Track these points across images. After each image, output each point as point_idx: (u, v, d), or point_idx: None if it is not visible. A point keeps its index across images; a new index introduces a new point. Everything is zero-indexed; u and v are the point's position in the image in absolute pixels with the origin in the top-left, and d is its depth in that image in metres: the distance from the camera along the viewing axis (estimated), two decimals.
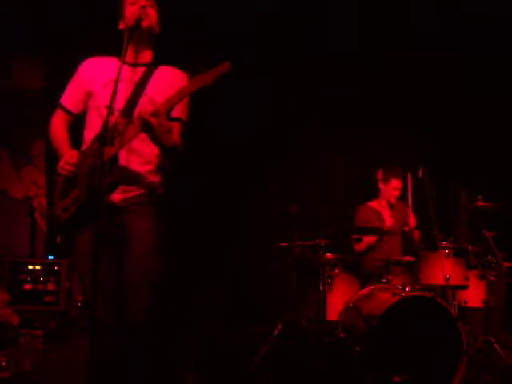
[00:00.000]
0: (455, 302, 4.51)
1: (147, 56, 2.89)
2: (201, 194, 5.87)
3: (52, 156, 3.02)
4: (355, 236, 5.09)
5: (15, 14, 5.48)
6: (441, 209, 4.80)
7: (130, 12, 2.76)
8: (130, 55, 2.81)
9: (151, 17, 2.79)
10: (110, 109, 2.47)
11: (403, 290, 4.05)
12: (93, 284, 2.28)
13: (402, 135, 6.04)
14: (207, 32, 5.61)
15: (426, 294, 4.01)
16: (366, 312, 4.06)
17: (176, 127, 2.78)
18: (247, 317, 5.66)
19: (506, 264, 4.72)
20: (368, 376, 3.78)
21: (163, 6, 2.87)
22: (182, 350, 4.64)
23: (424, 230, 5.06)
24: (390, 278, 4.47)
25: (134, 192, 2.75)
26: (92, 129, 2.79)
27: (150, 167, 2.81)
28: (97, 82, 2.80)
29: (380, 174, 5.28)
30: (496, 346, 4.35)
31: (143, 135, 2.64)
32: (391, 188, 5.21)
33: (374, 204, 5.33)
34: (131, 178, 2.73)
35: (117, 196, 2.70)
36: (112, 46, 2.84)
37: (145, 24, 2.74)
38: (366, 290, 4.41)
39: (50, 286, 4.99)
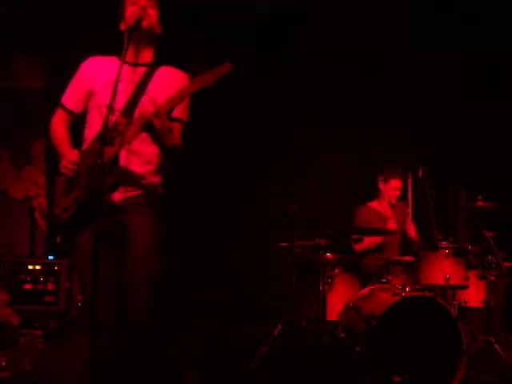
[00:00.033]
0: (455, 302, 4.50)
1: (148, 56, 2.89)
2: (201, 193, 5.87)
3: (52, 156, 3.02)
4: (355, 236, 5.09)
5: (15, 14, 5.48)
6: (441, 209, 4.80)
7: (131, 12, 2.76)
8: (130, 55, 2.81)
9: (151, 17, 2.79)
10: (110, 109, 2.47)
11: (403, 290, 4.05)
12: (93, 284, 2.28)
13: (401, 135, 6.03)
14: (207, 32, 5.61)
15: (426, 293, 4.01)
16: (366, 312, 4.06)
17: (176, 128, 2.78)
18: (247, 317, 5.66)
19: (506, 264, 4.72)
20: (368, 376, 3.78)
21: (163, 6, 2.87)
22: (182, 350, 4.64)
23: (424, 230, 5.06)
24: (390, 277, 4.46)
25: (134, 192, 2.76)
26: (93, 128, 2.79)
27: (150, 168, 2.81)
28: (98, 82, 2.80)
29: (381, 175, 5.28)
30: (496, 346, 4.35)
31: (143, 136, 2.64)
32: (391, 188, 5.20)
33: (374, 204, 5.33)
34: (131, 178, 2.73)
35: (117, 196, 2.70)
36: (112, 46, 2.84)
37: (145, 24, 2.74)
38: (365, 290, 4.41)
39: (50, 286, 4.99)
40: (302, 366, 4.25)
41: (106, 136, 2.50)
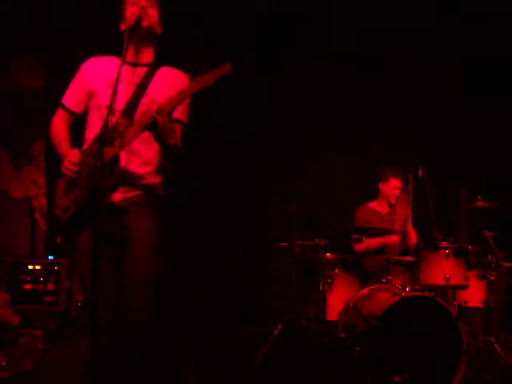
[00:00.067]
0: (455, 302, 4.50)
1: (148, 56, 2.89)
2: (201, 194, 5.87)
3: (52, 156, 3.01)
4: (355, 236, 5.09)
5: (15, 13, 5.48)
6: (441, 209, 4.80)
7: (131, 12, 2.76)
8: (130, 55, 2.80)
9: (151, 17, 2.79)
10: (110, 109, 2.47)
11: (403, 290, 4.05)
12: (93, 284, 2.28)
13: (402, 135, 6.03)
14: (207, 32, 5.61)
15: (426, 293, 4.01)
16: (366, 312, 4.06)
17: (176, 128, 2.78)
18: (247, 317, 5.66)
19: (506, 264, 4.72)
20: (368, 376, 3.78)
21: (163, 6, 2.87)
22: (182, 350, 4.64)
23: (424, 230, 5.06)
24: (390, 277, 4.46)
25: (134, 192, 2.76)
26: (93, 129, 2.79)
27: (150, 168, 2.81)
28: (99, 82, 2.80)
29: (380, 174, 5.29)
30: (496, 346, 4.35)
31: (144, 137, 2.65)
32: (391, 187, 5.20)
33: (374, 205, 5.33)
34: (131, 178, 2.73)
35: (117, 196, 2.70)
36: (112, 46, 2.84)
37: (145, 24, 2.74)
38: (365, 290, 4.41)
39: (50, 286, 5.00)
40: (302, 366, 4.25)
41: (106, 137, 2.50)
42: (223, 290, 5.95)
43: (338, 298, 4.53)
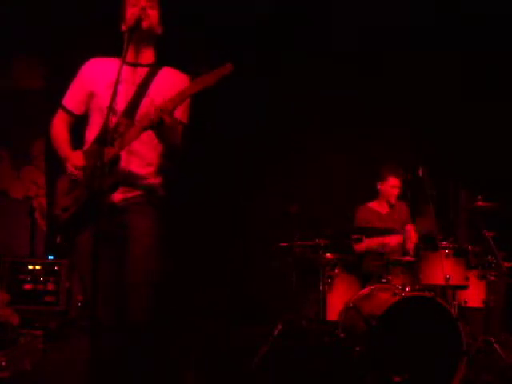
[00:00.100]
0: (455, 302, 4.50)
1: (148, 57, 2.89)
2: (201, 194, 5.87)
3: (52, 156, 3.01)
4: (355, 236, 5.09)
5: (15, 13, 5.48)
6: (441, 209, 4.80)
7: (131, 13, 2.76)
8: (130, 56, 2.80)
9: (151, 17, 2.79)
10: (110, 110, 2.47)
11: (403, 290, 4.05)
12: (93, 284, 2.28)
13: (402, 135, 6.03)
14: (207, 32, 5.61)
15: (426, 293, 4.01)
16: (366, 312, 4.06)
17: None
18: (247, 317, 5.67)
19: (506, 264, 4.72)
20: (368, 376, 3.78)
21: (163, 7, 2.87)
22: (182, 350, 4.64)
23: (424, 231, 5.06)
24: (390, 277, 4.46)
25: (134, 192, 2.76)
26: (94, 130, 2.79)
27: (151, 169, 2.81)
28: (99, 83, 2.80)
29: (379, 174, 5.29)
30: (496, 346, 4.35)
31: (144, 138, 2.65)
32: (389, 186, 5.19)
33: (373, 205, 5.33)
34: (131, 179, 2.73)
35: (117, 196, 2.71)
36: (112, 46, 2.84)
37: (145, 24, 2.74)
38: (366, 290, 4.41)
39: (50, 286, 5.00)
40: (302, 366, 4.25)
41: (106, 137, 2.50)
42: (223, 290, 5.95)
43: (338, 297, 4.53)
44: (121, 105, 2.69)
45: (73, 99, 2.91)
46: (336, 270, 4.68)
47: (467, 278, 4.38)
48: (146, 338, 2.68)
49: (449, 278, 4.21)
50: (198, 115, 2.95)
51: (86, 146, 2.81)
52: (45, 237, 5.68)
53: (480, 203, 4.79)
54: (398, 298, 3.92)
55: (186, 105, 2.81)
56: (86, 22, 5.40)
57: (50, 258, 5.13)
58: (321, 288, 4.58)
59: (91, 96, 2.84)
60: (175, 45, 3.93)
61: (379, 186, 5.28)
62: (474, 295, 4.67)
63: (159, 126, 2.54)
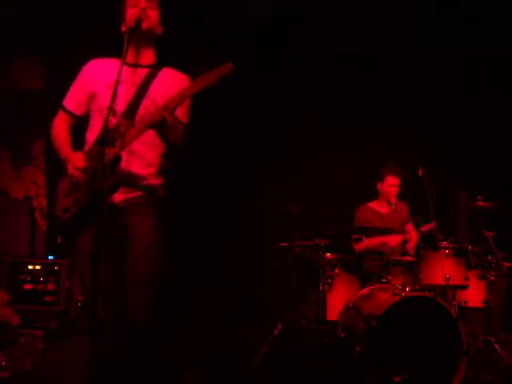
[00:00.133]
0: (455, 302, 4.51)
1: (149, 57, 2.89)
2: (201, 194, 5.87)
3: (52, 156, 3.01)
4: (355, 236, 5.09)
5: (15, 13, 5.48)
6: (441, 209, 4.80)
7: (131, 14, 2.76)
8: (130, 56, 2.80)
9: (151, 18, 2.79)
10: (110, 110, 2.47)
11: (403, 290, 4.06)
12: (93, 284, 2.28)
13: (402, 135, 6.04)
14: (207, 33, 5.61)
15: (426, 293, 4.01)
16: (366, 312, 4.07)
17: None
18: (247, 317, 5.67)
19: (506, 264, 4.72)
20: (368, 376, 3.78)
21: (163, 7, 2.88)
22: (182, 350, 4.64)
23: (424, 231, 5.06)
24: (390, 278, 4.46)
25: (135, 193, 2.76)
26: (94, 131, 2.79)
27: (152, 170, 2.81)
28: (100, 84, 2.80)
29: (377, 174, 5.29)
30: (496, 346, 4.35)
31: (145, 139, 2.65)
32: (388, 185, 5.19)
33: (374, 205, 5.33)
34: (132, 179, 2.73)
35: (118, 197, 2.71)
36: (112, 46, 2.84)
37: (145, 25, 2.74)
38: (365, 290, 4.41)
39: (50, 286, 5.00)
40: (302, 366, 4.25)
41: (107, 137, 2.50)
42: (223, 290, 5.95)
43: (338, 297, 4.53)
44: (121, 105, 2.69)
45: (73, 100, 2.91)
46: (336, 270, 4.68)
47: (467, 278, 4.38)
48: (145, 337, 2.67)
49: (449, 278, 4.21)
50: (198, 115, 2.96)
51: (87, 147, 2.81)
52: (45, 237, 5.69)
53: (480, 203, 4.79)
54: (397, 297, 3.92)
55: (186, 105, 2.81)
56: (86, 21, 5.41)
57: (50, 257, 5.13)
58: (321, 288, 4.58)
59: (92, 97, 2.84)
60: (175, 45, 3.93)
61: (379, 186, 5.28)
62: (474, 295, 4.67)
63: (161, 125, 2.54)
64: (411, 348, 3.79)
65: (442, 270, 4.21)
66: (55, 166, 2.84)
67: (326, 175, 6.18)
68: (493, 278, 4.67)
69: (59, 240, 2.80)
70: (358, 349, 3.91)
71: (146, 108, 2.68)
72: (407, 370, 3.73)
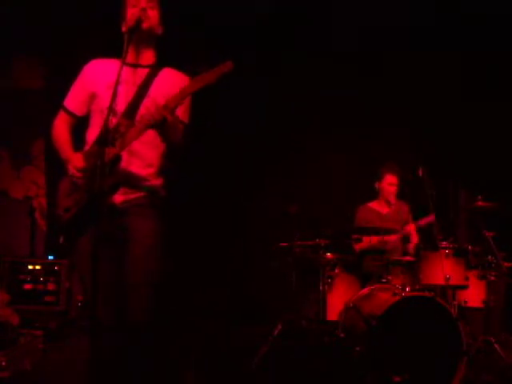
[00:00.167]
0: (455, 302, 4.50)
1: (149, 57, 2.89)
2: (201, 194, 5.87)
3: (52, 156, 3.01)
4: (355, 236, 5.09)
5: (15, 13, 5.48)
6: (441, 209, 4.80)
7: (131, 13, 2.76)
8: (131, 56, 2.80)
9: (152, 18, 2.79)
10: (110, 110, 2.47)
11: (403, 290, 4.05)
12: (93, 284, 2.27)
13: (401, 135, 6.04)
14: (207, 32, 5.61)
15: (426, 293, 4.01)
16: (366, 312, 4.07)
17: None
18: (247, 317, 5.67)
19: (506, 264, 4.72)
20: (368, 376, 3.78)
21: (163, 7, 2.87)
22: (182, 351, 4.64)
23: (424, 230, 5.06)
24: (390, 278, 4.46)
25: (135, 194, 2.76)
26: (94, 131, 2.79)
27: (152, 170, 2.81)
28: (100, 84, 2.79)
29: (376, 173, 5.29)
30: (496, 346, 4.35)
31: (145, 139, 2.65)
32: (386, 184, 5.20)
33: (374, 205, 5.33)
34: (132, 180, 2.73)
35: (118, 198, 2.70)
36: (112, 46, 2.83)
37: (145, 25, 2.73)
38: (365, 290, 4.41)
39: (50, 286, 5.00)
40: (302, 366, 4.25)
41: (107, 137, 2.50)
42: (223, 290, 5.95)
43: (338, 297, 4.53)
44: (121, 105, 2.69)
45: (74, 100, 2.91)
46: (336, 270, 4.68)
47: (467, 278, 4.38)
48: (145, 338, 2.68)
49: (449, 278, 4.21)
50: (198, 115, 2.95)
51: (87, 147, 2.81)
52: (45, 237, 5.69)
53: (480, 203, 4.79)
54: (398, 297, 3.92)
55: (186, 104, 2.81)
56: (86, 22, 5.40)
57: (50, 257, 5.13)
58: (321, 288, 4.58)
59: (92, 97, 2.84)
60: (175, 45, 3.92)
61: (378, 186, 5.29)
62: (474, 295, 4.67)
63: (161, 125, 2.54)
64: (411, 348, 3.79)
65: (442, 270, 4.21)
66: (55, 166, 2.84)
67: (326, 175, 6.18)
68: (493, 278, 4.67)
69: (61, 240, 2.81)
70: (358, 349, 3.91)
71: (146, 108, 2.68)
72: (407, 370, 3.73)
